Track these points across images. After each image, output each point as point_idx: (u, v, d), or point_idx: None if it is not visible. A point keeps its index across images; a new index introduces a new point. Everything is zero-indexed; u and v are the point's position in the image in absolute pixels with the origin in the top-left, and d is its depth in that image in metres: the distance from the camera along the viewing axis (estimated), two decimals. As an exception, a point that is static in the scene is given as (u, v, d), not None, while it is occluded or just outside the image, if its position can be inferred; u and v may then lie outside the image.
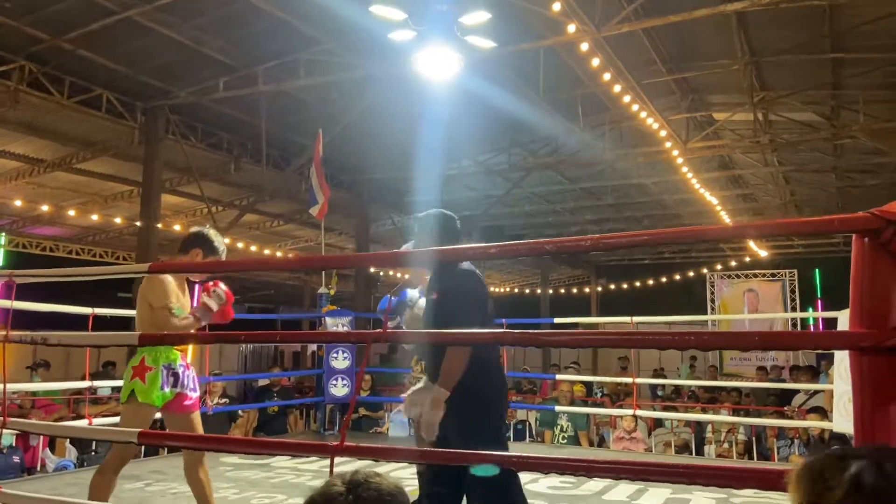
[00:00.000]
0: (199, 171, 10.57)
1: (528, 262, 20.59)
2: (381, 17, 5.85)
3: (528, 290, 23.88)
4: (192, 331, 3.36)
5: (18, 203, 11.11)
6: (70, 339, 2.58)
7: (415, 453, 2.70)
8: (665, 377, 12.65)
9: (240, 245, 14.20)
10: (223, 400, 7.68)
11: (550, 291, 22.37)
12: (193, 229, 3.58)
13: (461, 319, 2.64)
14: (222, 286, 3.45)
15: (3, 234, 12.81)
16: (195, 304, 3.48)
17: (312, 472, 5.12)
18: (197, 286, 3.83)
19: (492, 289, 24.04)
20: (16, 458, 5.77)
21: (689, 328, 17.40)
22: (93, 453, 6.30)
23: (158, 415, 3.34)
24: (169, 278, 3.30)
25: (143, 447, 5.12)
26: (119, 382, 3.65)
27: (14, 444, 5.81)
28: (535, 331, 1.79)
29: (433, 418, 2.71)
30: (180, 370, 3.29)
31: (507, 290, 24.65)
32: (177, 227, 12.57)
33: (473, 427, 2.75)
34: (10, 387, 3.19)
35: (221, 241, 3.48)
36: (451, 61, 6.03)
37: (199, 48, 8.09)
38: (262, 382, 10.16)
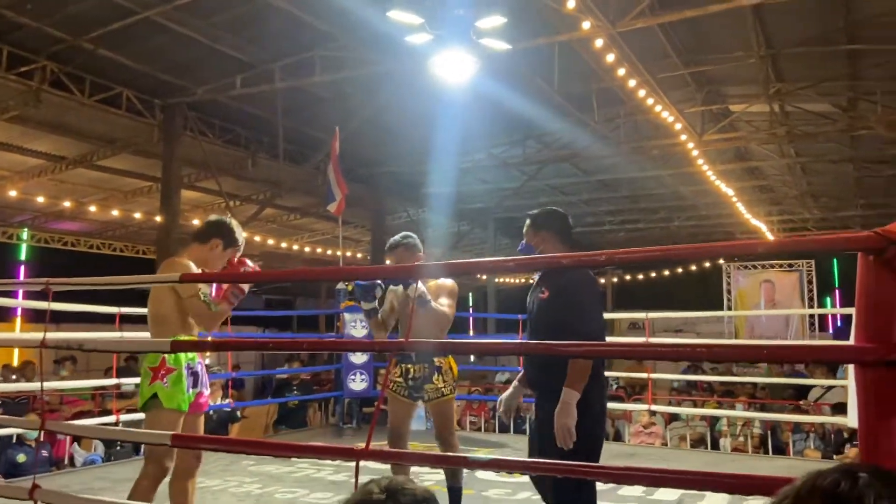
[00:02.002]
0: (216, 167, 10.70)
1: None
2: (399, 22, 5.89)
3: (542, 281, 23.83)
4: (224, 318, 3.14)
5: (41, 199, 11.30)
6: (105, 345, 2.68)
7: (435, 458, 2.78)
8: (701, 369, 12.39)
9: (257, 239, 14.36)
10: (227, 400, 7.73)
11: (565, 282, 22.33)
12: (213, 217, 3.31)
13: (578, 320, 2.51)
14: (249, 263, 3.20)
15: (27, 229, 13.03)
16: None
17: (333, 467, 5.22)
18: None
19: (505, 281, 24.08)
20: (44, 452, 5.94)
21: (705, 323, 17.38)
22: (118, 448, 6.45)
23: None
24: (193, 266, 3.06)
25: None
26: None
27: (41, 439, 5.98)
28: (552, 342, 1.86)
29: (569, 423, 2.46)
30: (199, 368, 3.08)
31: (521, 281, 24.67)
32: (195, 222, 12.74)
33: (584, 437, 2.52)
34: (46, 385, 3.28)
35: (241, 233, 3.28)
36: (467, 63, 6.07)
37: (216, 46, 8.19)
38: (282, 376, 10.29)
